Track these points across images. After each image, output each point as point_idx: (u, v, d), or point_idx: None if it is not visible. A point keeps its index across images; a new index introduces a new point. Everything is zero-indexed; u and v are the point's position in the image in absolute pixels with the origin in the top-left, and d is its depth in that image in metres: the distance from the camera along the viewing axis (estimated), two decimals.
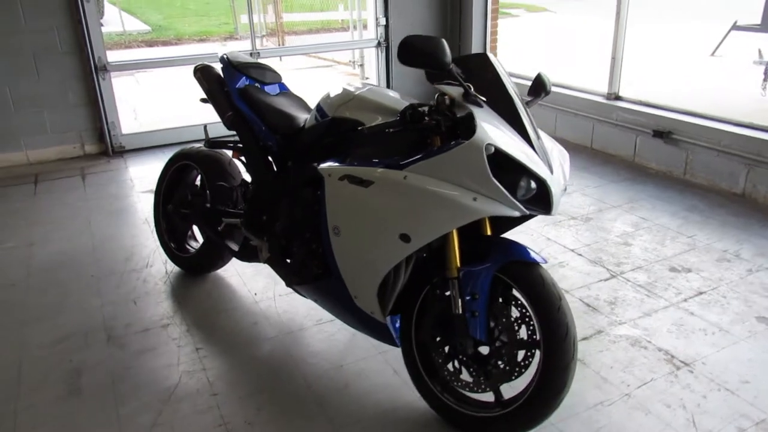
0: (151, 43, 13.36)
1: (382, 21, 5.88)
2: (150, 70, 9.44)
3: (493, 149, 1.72)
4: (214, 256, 2.95)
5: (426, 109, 1.90)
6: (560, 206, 1.89)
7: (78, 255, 3.37)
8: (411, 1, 5.94)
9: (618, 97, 4.68)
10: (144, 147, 5.23)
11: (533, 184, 1.79)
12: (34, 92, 4.81)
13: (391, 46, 5.98)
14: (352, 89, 2.20)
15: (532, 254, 1.89)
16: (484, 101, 1.85)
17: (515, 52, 10.06)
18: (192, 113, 5.08)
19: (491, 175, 1.71)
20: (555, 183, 1.82)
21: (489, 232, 2.03)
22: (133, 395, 2.25)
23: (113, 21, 14.58)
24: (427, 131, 1.88)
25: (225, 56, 2.70)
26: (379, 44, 5.98)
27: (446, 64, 1.75)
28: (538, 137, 1.91)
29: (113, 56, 5.42)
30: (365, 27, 7.43)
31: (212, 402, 2.19)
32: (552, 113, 5.19)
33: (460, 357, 1.97)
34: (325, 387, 2.27)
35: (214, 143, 2.75)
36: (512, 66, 6.09)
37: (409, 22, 5.99)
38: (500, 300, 1.93)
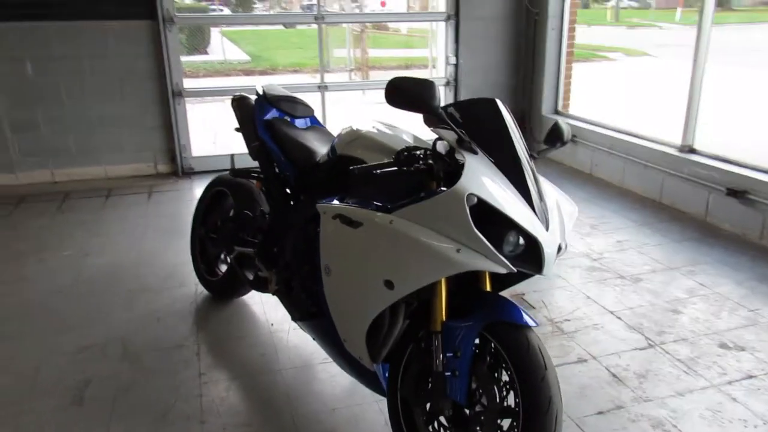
0: (248, 72, 14.09)
1: (452, 60, 5.86)
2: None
3: (475, 199, 1.62)
4: (236, 282, 2.98)
5: (421, 152, 1.84)
6: (554, 266, 1.75)
7: (123, 268, 3.53)
8: (483, 41, 5.90)
9: (692, 150, 4.36)
10: (212, 170, 5.45)
11: (522, 240, 1.67)
12: (117, 113, 5.17)
13: (460, 85, 5.94)
14: (360, 128, 2.18)
15: (523, 316, 1.76)
16: (479, 149, 1.76)
17: (593, 96, 9.73)
18: None
19: (473, 227, 1.61)
20: (549, 241, 1.69)
21: (488, 287, 1.91)
22: (128, 413, 2.28)
23: (218, 50, 15.57)
24: (421, 175, 1.81)
25: (261, 88, 2.77)
26: (447, 83, 5.96)
27: (434, 107, 1.69)
28: (539, 190, 1.79)
29: (195, 83, 5.73)
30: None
31: (197, 429, 2.18)
32: (620, 162, 4.92)
33: (440, 417, 1.85)
34: (311, 429, 2.20)
35: (238, 172, 2.81)
36: (584, 110, 5.88)
37: (480, 63, 5.94)
38: (490, 361, 1.80)
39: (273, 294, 2.50)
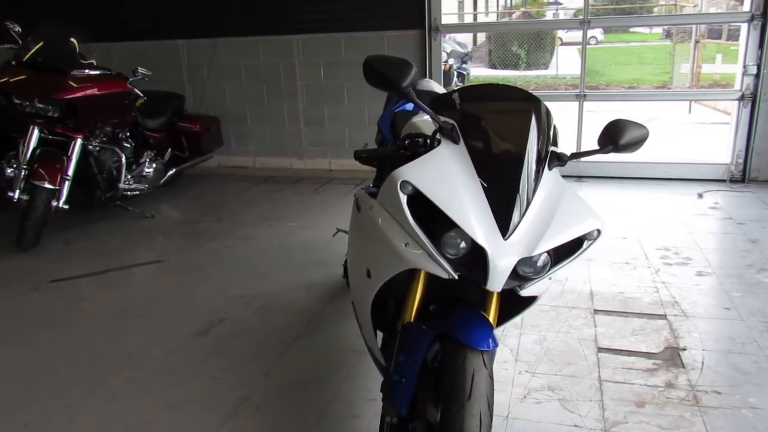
0: (576, 87, 13.73)
1: (752, 69, 4.78)
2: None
3: (410, 188, 1.46)
4: None
5: (422, 140, 1.72)
6: (531, 286, 1.45)
7: (320, 243, 3.99)
8: None
9: None
10: None
11: (463, 243, 1.43)
12: (376, 114, 5.77)
13: (760, 100, 4.81)
14: (419, 115, 2.11)
15: (477, 336, 1.50)
16: (461, 139, 1.56)
17: None
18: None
19: (409, 215, 1.48)
20: (500, 250, 1.41)
21: (491, 316, 1.64)
22: (225, 351, 2.67)
23: (564, 65, 15.56)
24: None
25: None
26: (742, 98, 4.89)
27: (402, 88, 1.57)
28: (528, 196, 1.49)
29: None
30: None
31: (259, 380, 2.43)
32: None
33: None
34: (343, 412, 2.23)
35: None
36: None
37: None
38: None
39: None
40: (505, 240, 1.42)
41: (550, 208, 1.51)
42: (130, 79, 4.39)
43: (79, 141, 4.06)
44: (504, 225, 1.44)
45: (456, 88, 1.71)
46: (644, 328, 2.73)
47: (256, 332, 2.84)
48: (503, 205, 1.46)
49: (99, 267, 3.69)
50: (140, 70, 4.42)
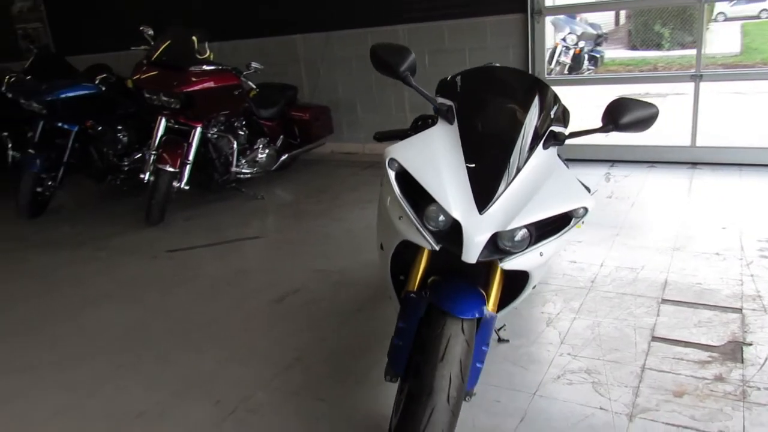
0: (727, 66, 12.51)
1: None
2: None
3: (397, 165, 1.58)
4: None
5: (431, 121, 1.82)
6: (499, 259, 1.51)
7: None
8: None
9: None
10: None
11: (442, 216, 1.53)
12: None
13: None
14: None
15: (462, 304, 1.59)
16: (455, 120, 1.65)
17: None
18: None
19: (397, 190, 1.60)
20: (475, 224, 1.49)
21: (491, 301, 1.72)
22: (294, 317, 2.95)
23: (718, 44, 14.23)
24: None
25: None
26: None
27: (399, 72, 1.70)
28: (515, 173, 1.55)
29: None
30: None
31: (318, 345, 2.67)
32: None
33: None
34: (371, 374, 2.39)
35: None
36: None
37: None
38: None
39: None
40: (482, 214, 1.50)
41: (535, 184, 1.56)
42: (244, 73, 4.84)
43: (198, 129, 4.57)
44: (485, 200, 1.52)
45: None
46: (711, 321, 2.58)
47: (326, 303, 3.09)
48: (487, 181, 1.53)
49: (209, 240, 4.17)
50: (253, 64, 4.85)
